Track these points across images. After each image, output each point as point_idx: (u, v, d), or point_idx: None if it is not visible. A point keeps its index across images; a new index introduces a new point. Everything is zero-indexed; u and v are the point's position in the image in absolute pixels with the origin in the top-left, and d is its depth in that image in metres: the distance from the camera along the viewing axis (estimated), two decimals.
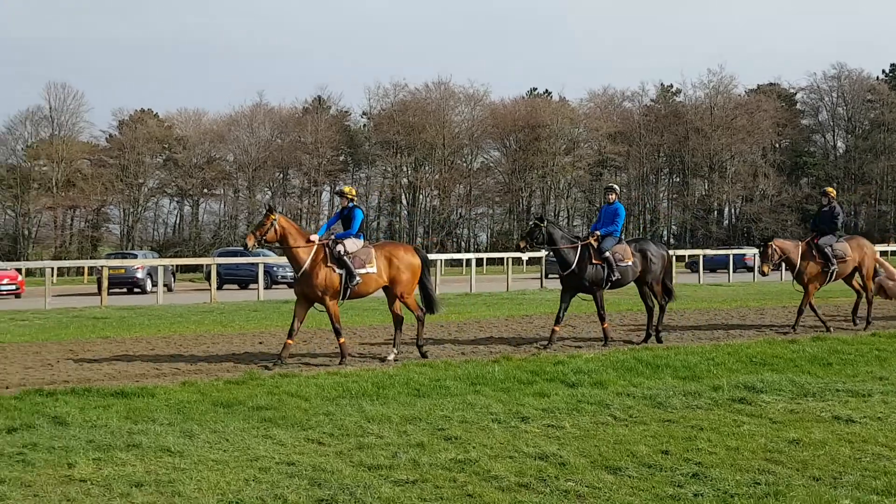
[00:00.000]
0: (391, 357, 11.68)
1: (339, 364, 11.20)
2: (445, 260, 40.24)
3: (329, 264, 11.47)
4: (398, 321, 12.19)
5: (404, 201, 76.22)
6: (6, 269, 30.34)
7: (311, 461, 6.35)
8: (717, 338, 13.56)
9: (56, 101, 71.34)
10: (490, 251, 61.18)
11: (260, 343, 13.68)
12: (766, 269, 14.41)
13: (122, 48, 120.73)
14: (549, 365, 10.53)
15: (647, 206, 76.64)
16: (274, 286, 31.91)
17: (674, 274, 14.27)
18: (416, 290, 12.38)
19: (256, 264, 28.33)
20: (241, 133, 74.08)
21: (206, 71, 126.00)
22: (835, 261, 14.34)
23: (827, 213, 14.86)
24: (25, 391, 9.14)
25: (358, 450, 6.70)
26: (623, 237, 13.43)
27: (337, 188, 13.57)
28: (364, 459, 6.38)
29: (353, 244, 11.75)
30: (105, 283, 24.82)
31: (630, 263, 13.00)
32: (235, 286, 34.08)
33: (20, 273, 31.37)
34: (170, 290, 31.52)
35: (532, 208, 75.46)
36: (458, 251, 68.57)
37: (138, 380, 10.20)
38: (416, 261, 12.18)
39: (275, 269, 32.82)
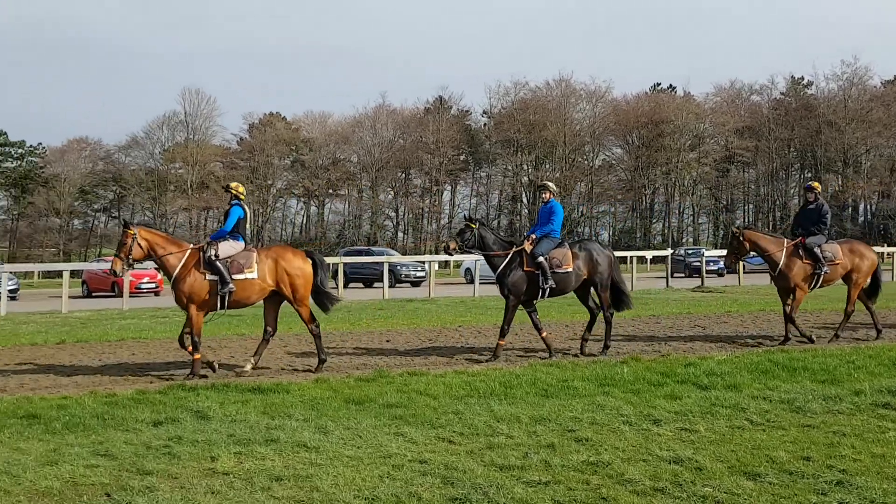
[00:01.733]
0: (247, 366, 10.91)
1: (188, 377, 10.33)
2: None
3: (201, 270, 10.64)
4: (313, 329, 11.26)
5: (525, 200, 76.01)
6: (146, 269, 31.76)
7: (443, 460, 6.41)
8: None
9: (191, 106, 74.63)
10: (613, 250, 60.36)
11: (387, 341, 13.89)
12: (730, 261, 13.44)
13: (251, 54, 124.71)
14: (679, 367, 10.32)
15: (777, 202, 74.17)
16: (398, 285, 32.35)
17: (622, 277, 12.76)
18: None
19: (381, 263, 28.81)
20: (364, 134, 75.46)
21: (331, 74, 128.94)
22: (825, 263, 12.90)
23: (813, 212, 13.37)
24: (169, 386, 9.56)
25: (488, 449, 6.72)
26: (564, 240, 12.20)
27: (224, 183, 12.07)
28: (495, 459, 6.40)
29: (229, 247, 10.84)
30: None
31: (571, 269, 11.76)
32: (361, 284, 34.69)
33: (159, 272, 32.82)
34: None
35: (656, 206, 74.15)
36: None
37: (273, 376, 10.53)
38: (308, 266, 11.18)
39: (399, 267, 33.35)
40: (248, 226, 11.33)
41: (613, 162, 77.23)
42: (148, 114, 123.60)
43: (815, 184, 13.87)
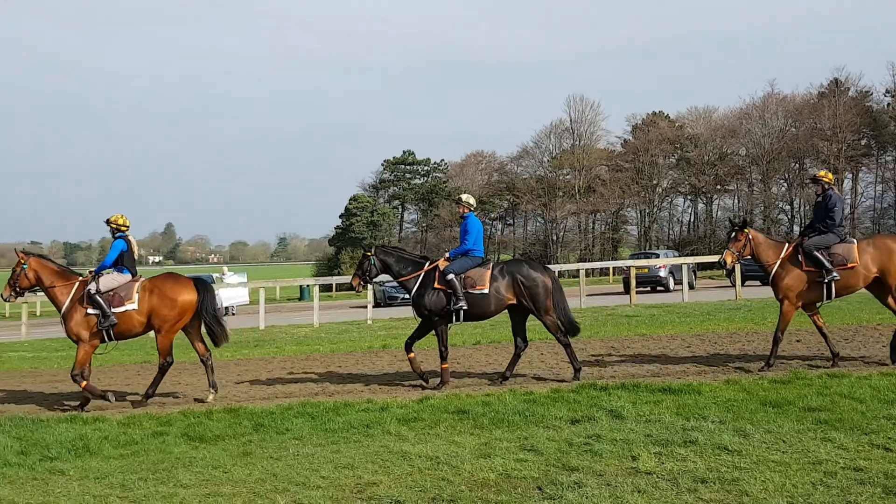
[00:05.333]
0: (210, 398, 10.75)
1: (78, 409, 10.51)
2: None
3: (84, 304, 10.60)
4: (204, 359, 11.01)
5: None
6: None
7: (882, 468, 5.96)
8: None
9: (576, 113, 76.59)
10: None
11: (797, 341, 13.17)
12: (729, 258, 10.86)
13: (633, 56, 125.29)
14: None
15: None
16: None
17: (565, 302, 11.16)
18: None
19: None
20: (752, 126, 72.17)
21: (714, 67, 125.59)
22: (832, 268, 10.46)
23: (821, 206, 10.98)
24: (581, 385, 9.89)
25: None
26: (490, 259, 11.16)
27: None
28: None
29: (111, 280, 10.73)
30: (633, 283, 25.88)
31: (487, 291, 10.69)
32: (758, 283, 33.19)
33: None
34: (692, 287, 31.76)
35: None
36: None
37: (680, 376, 10.46)
38: (188, 296, 10.74)
39: None
40: (135, 256, 11.18)
41: None
42: (537, 124, 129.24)
43: (822, 173, 11.26)
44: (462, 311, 10.78)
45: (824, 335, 11.06)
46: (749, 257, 11.13)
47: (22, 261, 10.90)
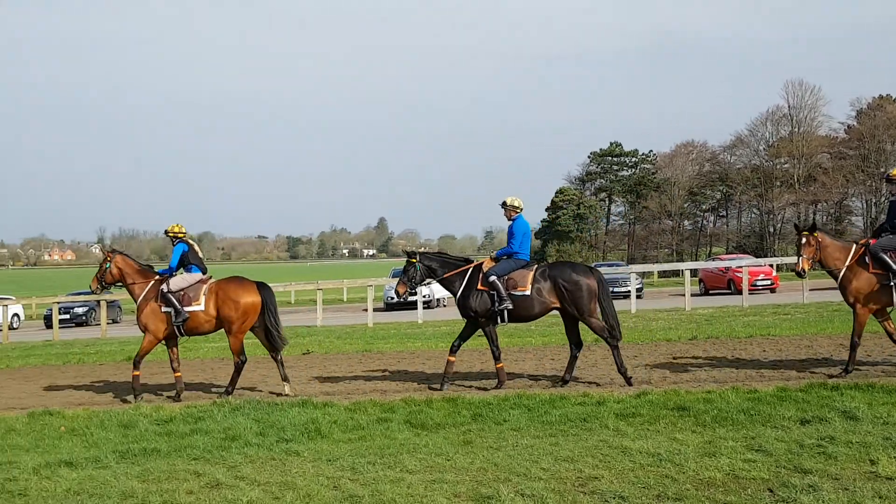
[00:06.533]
0: (286, 389, 11.43)
1: (134, 400, 11.39)
2: None
3: (157, 301, 11.47)
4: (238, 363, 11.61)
5: None
6: (761, 266, 31.84)
7: None
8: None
9: (794, 98, 72.73)
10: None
11: None
12: (805, 265, 10.23)
13: (855, 37, 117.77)
14: None
15: None
16: None
17: (611, 305, 10.93)
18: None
19: None
20: None
21: None
22: None
23: (894, 206, 10.44)
24: (809, 384, 9.43)
25: None
26: (535, 262, 11.22)
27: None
28: None
29: (180, 280, 11.52)
30: None
31: (528, 293, 10.76)
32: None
33: (773, 268, 32.70)
34: None
35: None
36: None
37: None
38: (250, 298, 11.36)
39: None
40: (199, 255, 11.97)
41: None
42: (752, 111, 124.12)
43: None
44: (506, 312, 10.90)
45: (852, 347, 10.37)
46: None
47: (109, 258, 11.95)
